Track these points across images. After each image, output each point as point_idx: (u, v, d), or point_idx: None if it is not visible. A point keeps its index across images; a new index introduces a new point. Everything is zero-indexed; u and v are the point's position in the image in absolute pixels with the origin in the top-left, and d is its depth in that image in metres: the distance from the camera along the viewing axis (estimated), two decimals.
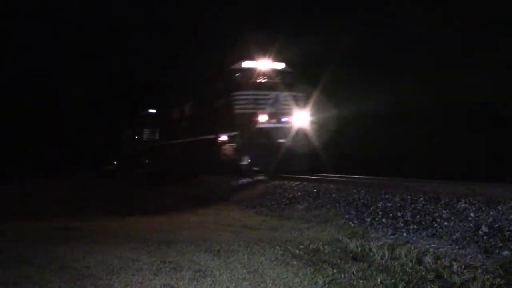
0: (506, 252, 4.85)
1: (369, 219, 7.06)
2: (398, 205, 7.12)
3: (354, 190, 8.63)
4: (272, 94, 13.81)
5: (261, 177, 12.75)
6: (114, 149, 34.27)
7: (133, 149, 29.36)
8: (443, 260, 4.86)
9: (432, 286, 4.25)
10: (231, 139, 14.02)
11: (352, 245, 5.77)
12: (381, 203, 7.48)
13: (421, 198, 7.03)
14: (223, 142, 14.47)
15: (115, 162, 34.72)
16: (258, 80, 14.29)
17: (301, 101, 13.89)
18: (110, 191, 15.65)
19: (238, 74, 14.48)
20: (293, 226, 7.44)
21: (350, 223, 7.19)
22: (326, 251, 5.61)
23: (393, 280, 4.38)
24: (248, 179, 12.86)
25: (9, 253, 5.83)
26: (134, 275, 4.68)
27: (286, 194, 10.20)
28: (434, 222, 6.12)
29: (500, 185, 7.74)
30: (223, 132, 14.43)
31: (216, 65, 17.01)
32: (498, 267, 4.44)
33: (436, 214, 6.29)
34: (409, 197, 7.28)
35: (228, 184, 13.19)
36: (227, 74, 14.87)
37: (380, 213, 7.12)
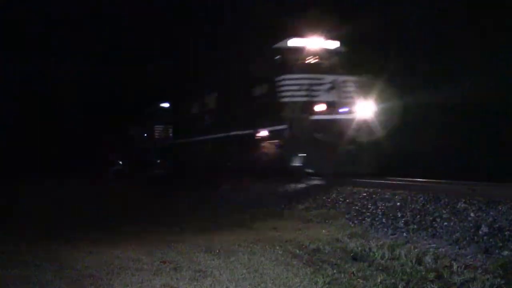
0: (506, 252, 4.85)
1: (369, 219, 7.06)
2: (398, 204, 7.13)
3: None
4: (329, 78, 11.14)
5: (316, 181, 10.62)
6: (118, 148, 31.59)
7: (141, 148, 26.37)
8: (443, 260, 4.86)
9: (432, 286, 4.24)
10: (274, 135, 11.53)
11: (352, 245, 5.77)
12: (381, 203, 7.48)
13: (421, 198, 7.03)
14: (263, 139, 12.03)
15: (120, 162, 31.91)
16: (310, 61, 11.73)
17: (365, 88, 11.20)
18: (108, 195, 15.47)
19: (284, 54, 11.76)
20: (293, 226, 7.44)
21: (350, 223, 7.19)
22: (326, 251, 5.61)
23: (393, 280, 4.38)
24: (300, 184, 10.59)
25: (9, 253, 5.85)
26: (134, 275, 4.68)
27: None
28: (434, 222, 6.12)
29: (500, 185, 7.73)
30: (263, 127, 11.89)
31: (254, 45, 14.19)
32: (498, 267, 4.45)
33: (436, 214, 6.29)
34: (409, 197, 7.29)
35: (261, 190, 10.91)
36: (269, 54, 12.11)
37: (380, 213, 7.12)
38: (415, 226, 6.25)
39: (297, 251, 5.61)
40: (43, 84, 32.37)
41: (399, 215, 6.83)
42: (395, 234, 6.26)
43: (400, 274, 4.58)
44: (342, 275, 4.56)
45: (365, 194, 8.21)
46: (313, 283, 4.35)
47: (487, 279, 4.23)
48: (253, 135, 12.28)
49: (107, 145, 34.68)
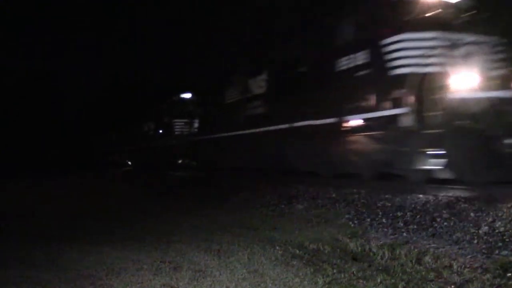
0: (506, 252, 4.85)
1: (369, 219, 7.05)
2: (398, 205, 7.12)
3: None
4: (467, 39, 7.56)
5: (456, 192, 7.00)
6: (127, 146, 29.42)
7: (156, 146, 23.23)
8: (443, 260, 4.86)
9: (432, 286, 4.24)
10: (377, 124, 8.53)
11: (352, 245, 5.77)
12: (381, 203, 7.47)
13: (421, 198, 7.03)
14: (354, 130, 9.16)
15: (129, 163, 30.00)
16: (433, 16, 8.02)
17: None
18: (111, 196, 15.50)
19: (390, 6, 8.45)
20: (293, 226, 7.44)
21: (350, 223, 7.18)
22: (326, 251, 5.61)
23: (393, 280, 4.38)
24: (423, 196, 6.96)
25: (9, 253, 5.85)
26: (134, 275, 4.68)
27: None
28: (434, 222, 6.12)
29: (500, 185, 7.72)
30: (356, 113, 9.00)
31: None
32: (498, 267, 4.44)
33: (436, 214, 6.29)
34: (409, 197, 7.28)
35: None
36: (367, 9, 8.98)
37: (380, 213, 7.12)
38: (415, 226, 6.25)
39: (297, 251, 5.61)
40: (45, 78, 31.93)
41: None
42: (395, 233, 6.26)
43: (400, 274, 4.58)
44: (342, 275, 4.56)
45: None
46: (313, 283, 4.35)
47: (487, 279, 4.23)
48: (338, 125, 9.46)
49: (111, 144, 33.27)
